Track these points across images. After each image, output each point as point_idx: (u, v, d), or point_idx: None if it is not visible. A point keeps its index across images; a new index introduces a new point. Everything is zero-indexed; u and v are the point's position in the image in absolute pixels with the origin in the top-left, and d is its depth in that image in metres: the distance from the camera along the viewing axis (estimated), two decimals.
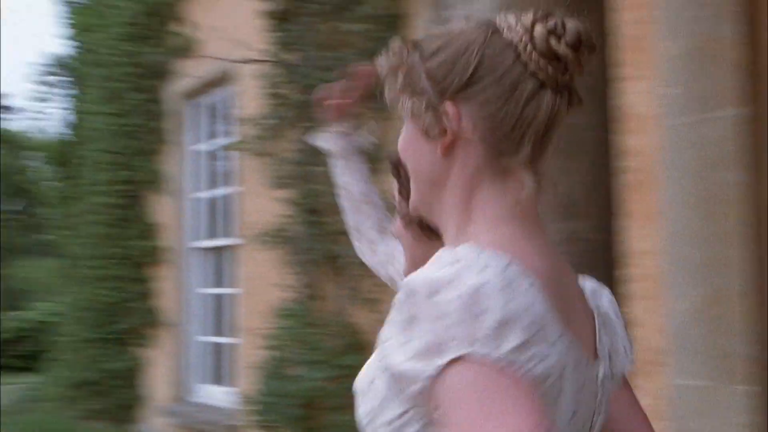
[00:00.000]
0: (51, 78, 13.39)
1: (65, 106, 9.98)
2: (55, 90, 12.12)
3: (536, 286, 0.88)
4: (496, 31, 0.99)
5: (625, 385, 1.17)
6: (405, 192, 1.49)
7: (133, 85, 7.70)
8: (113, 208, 7.93)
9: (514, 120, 0.97)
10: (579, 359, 0.96)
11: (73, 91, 9.49)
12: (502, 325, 0.82)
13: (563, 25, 0.97)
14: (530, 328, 0.84)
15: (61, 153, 9.85)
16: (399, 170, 1.54)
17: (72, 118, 9.50)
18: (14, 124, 22.99)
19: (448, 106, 0.98)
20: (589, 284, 1.14)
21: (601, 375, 1.03)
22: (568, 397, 0.94)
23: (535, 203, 1.00)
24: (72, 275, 8.77)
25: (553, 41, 0.96)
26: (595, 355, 1.03)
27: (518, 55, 0.97)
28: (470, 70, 0.97)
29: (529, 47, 0.96)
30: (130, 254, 7.76)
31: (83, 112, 8.89)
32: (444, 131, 0.99)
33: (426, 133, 1.01)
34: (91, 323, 8.06)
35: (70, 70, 9.61)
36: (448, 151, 1.00)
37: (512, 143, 0.98)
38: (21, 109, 23.40)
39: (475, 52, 0.97)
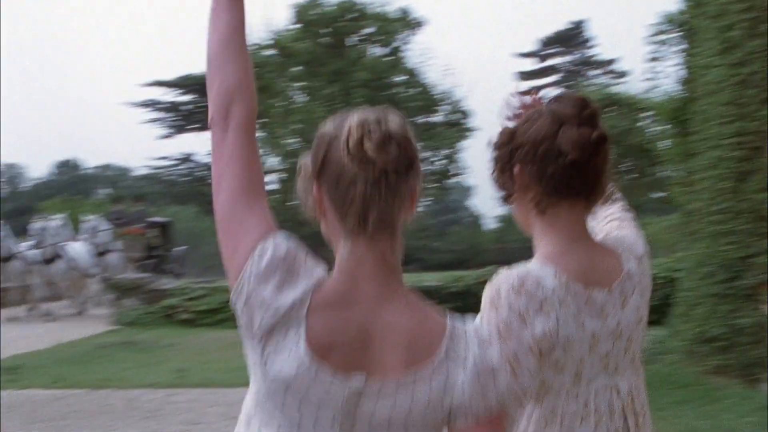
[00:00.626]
0: (663, 36, 13.61)
1: (677, 62, 10.02)
2: (667, 47, 12.29)
3: None
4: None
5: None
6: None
7: (750, 32, 7.34)
8: (732, 161, 7.71)
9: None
10: None
11: (686, 46, 9.47)
12: None
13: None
14: None
15: (675, 110, 9.95)
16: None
17: (685, 73, 9.51)
18: (627, 86, 24.20)
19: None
20: None
21: None
22: None
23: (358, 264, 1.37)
24: (691, 231, 8.81)
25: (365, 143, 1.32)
26: None
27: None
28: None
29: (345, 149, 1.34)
30: (753, 208, 7.46)
31: (696, 67, 8.82)
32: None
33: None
34: (714, 278, 8.00)
35: (683, 25, 9.61)
36: (319, 216, 1.44)
37: (341, 218, 1.38)
38: (632, 72, 24.43)
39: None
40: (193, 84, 55.79)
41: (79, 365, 10.86)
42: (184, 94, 57.32)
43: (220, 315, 15.63)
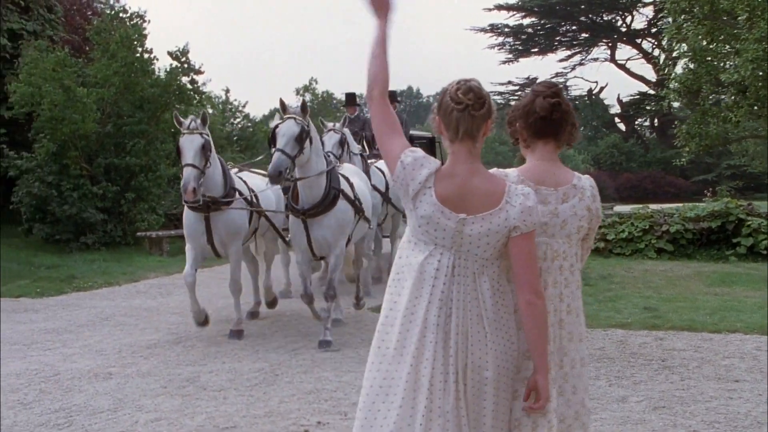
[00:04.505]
0: None
1: None
2: None
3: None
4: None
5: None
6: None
7: None
8: None
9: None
10: None
11: None
12: None
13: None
14: None
15: None
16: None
17: None
18: None
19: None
20: None
21: None
22: None
23: (457, 159, 2.70)
24: None
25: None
26: None
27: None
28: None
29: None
30: None
31: None
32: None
33: None
34: None
35: None
36: (439, 132, 2.79)
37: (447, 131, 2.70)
38: None
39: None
40: (536, 6, 54.17)
41: None
42: (525, 17, 55.94)
43: (632, 245, 14.29)
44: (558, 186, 2.85)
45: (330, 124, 9.78)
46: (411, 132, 14.86)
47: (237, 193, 7.73)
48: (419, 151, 2.72)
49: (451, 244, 2.65)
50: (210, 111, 20.49)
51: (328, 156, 8.12)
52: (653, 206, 16.06)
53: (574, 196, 2.86)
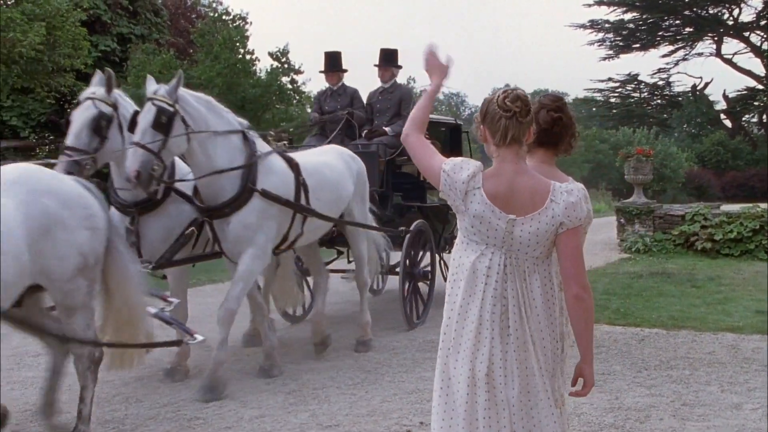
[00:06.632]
0: None
1: None
2: None
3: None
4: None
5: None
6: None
7: None
8: None
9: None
10: None
11: None
12: None
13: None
14: None
15: None
16: None
17: None
18: None
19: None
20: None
21: None
22: None
23: (503, 160, 2.85)
24: None
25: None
26: None
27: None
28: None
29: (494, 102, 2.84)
30: None
31: None
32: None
33: None
34: None
35: None
36: (483, 140, 2.95)
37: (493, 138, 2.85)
38: None
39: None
40: (638, 1, 52.64)
41: (623, 297, 9.78)
42: (626, 12, 54.43)
43: (741, 246, 13.69)
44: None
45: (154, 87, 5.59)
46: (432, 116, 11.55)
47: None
48: (456, 158, 2.95)
49: (501, 244, 2.82)
50: (309, 110, 20.76)
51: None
52: (762, 205, 15.40)
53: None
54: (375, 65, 8.81)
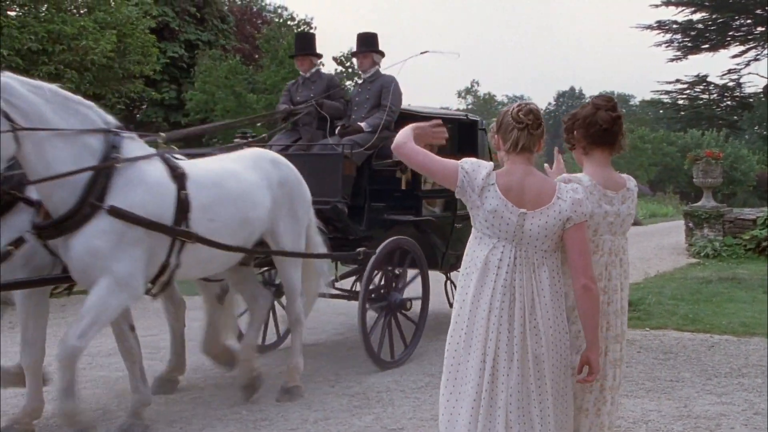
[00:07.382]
0: None
1: None
2: None
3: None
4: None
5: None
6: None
7: None
8: None
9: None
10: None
11: None
12: None
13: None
14: None
15: None
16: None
17: None
18: None
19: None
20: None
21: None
22: None
23: (513, 163, 3.17)
24: None
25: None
26: None
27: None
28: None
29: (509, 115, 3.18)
30: None
31: None
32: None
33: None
34: None
35: None
36: (497, 148, 3.30)
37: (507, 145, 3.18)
38: None
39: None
40: (707, 0, 51.35)
41: (692, 303, 9.52)
42: (695, 12, 53.12)
43: None
44: (618, 189, 3.34)
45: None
46: (445, 112, 8.88)
47: None
48: (470, 158, 3.22)
49: (512, 237, 3.08)
50: None
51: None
52: None
53: (629, 197, 3.37)
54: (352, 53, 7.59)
